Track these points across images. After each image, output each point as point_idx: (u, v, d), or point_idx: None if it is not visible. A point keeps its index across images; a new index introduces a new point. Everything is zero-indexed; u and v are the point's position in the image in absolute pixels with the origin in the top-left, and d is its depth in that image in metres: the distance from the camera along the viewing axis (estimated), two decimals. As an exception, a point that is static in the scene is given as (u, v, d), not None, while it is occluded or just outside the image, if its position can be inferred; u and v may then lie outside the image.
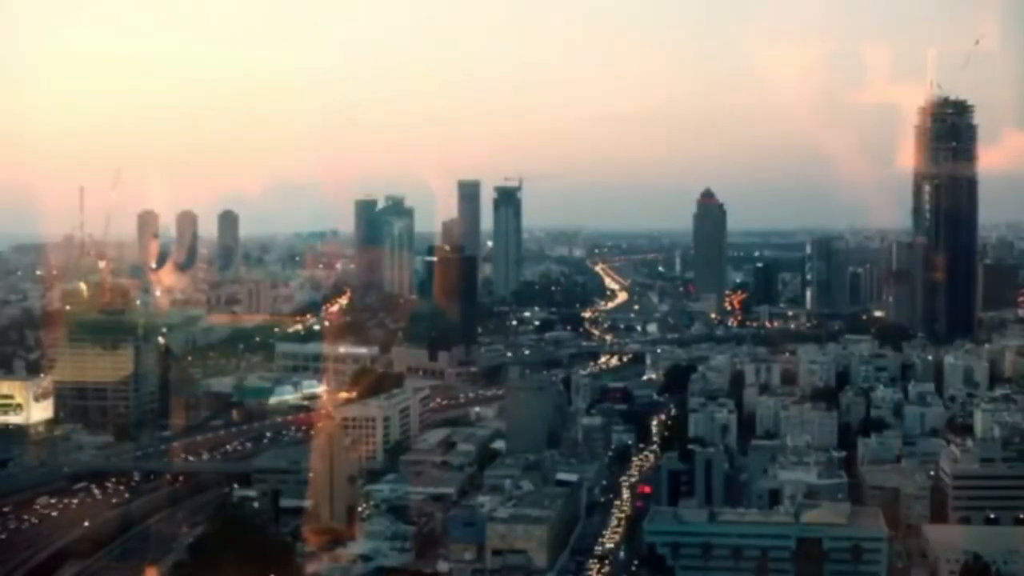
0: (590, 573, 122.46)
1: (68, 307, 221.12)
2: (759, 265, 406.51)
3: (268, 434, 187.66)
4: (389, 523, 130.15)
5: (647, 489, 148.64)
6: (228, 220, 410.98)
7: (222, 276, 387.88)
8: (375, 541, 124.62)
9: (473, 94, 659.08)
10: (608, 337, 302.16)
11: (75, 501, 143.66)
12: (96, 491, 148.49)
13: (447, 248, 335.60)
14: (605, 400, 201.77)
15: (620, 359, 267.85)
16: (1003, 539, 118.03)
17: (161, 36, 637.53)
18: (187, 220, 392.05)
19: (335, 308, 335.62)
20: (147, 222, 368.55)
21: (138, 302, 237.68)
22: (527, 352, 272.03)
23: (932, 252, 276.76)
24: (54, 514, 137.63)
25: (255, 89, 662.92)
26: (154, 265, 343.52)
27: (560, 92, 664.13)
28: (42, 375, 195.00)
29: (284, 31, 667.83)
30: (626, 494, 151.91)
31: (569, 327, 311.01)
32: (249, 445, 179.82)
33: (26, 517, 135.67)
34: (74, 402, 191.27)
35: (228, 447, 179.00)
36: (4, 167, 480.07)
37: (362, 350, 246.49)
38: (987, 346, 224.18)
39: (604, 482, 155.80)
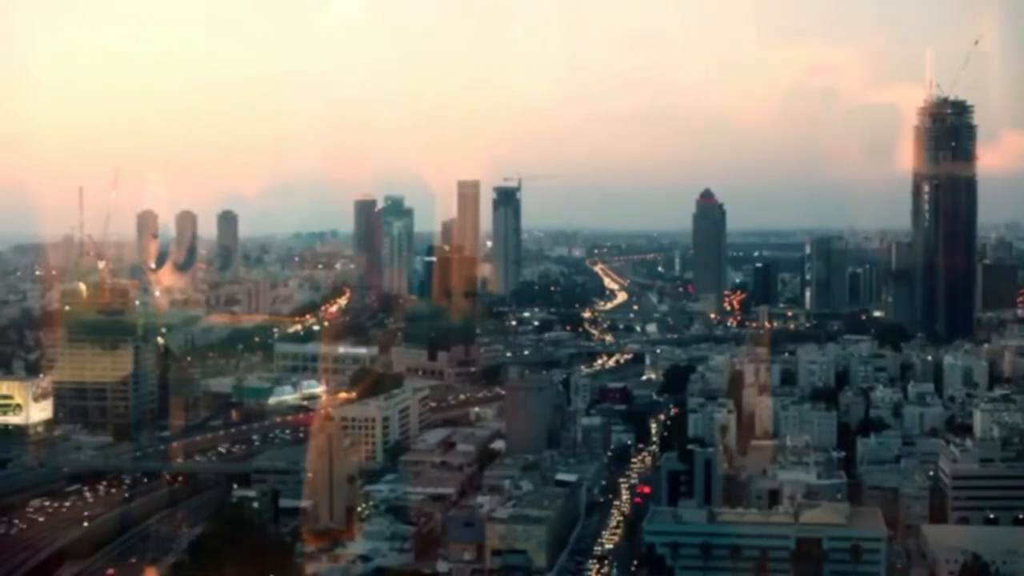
0: (589, 573, 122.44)
1: (67, 307, 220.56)
2: (758, 265, 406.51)
3: (267, 434, 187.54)
4: (388, 523, 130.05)
5: (646, 489, 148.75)
6: (227, 220, 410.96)
7: (221, 276, 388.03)
8: (374, 541, 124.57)
9: (473, 94, 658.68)
10: (607, 337, 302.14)
11: (68, 503, 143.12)
12: (95, 491, 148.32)
13: (446, 248, 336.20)
14: (604, 400, 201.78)
15: (619, 359, 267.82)
16: (1002, 539, 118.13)
17: (161, 36, 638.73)
18: (186, 220, 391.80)
19: (334, 308, 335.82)
20: (146, 222, 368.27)
21: (137, 302, 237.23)
22: (527, 352, 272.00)
23: (932, 252, 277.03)
24: (42, 519, 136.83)
25: (255, 89, 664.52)
26: (153, 265, 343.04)
27: (560, 92, 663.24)
28: (41, 375, 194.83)
29: (283, 31, 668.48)
30: (625, 494, 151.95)
31: (568, 327, 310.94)
32: (248, 445, 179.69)
33: (16, 521, 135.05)
34: (73, 402, 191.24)
35: (227, 447, 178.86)
36: (4, 167, 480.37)
37: (361, 350, 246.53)
38: (986, 346, 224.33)
39: (603, 482, 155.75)
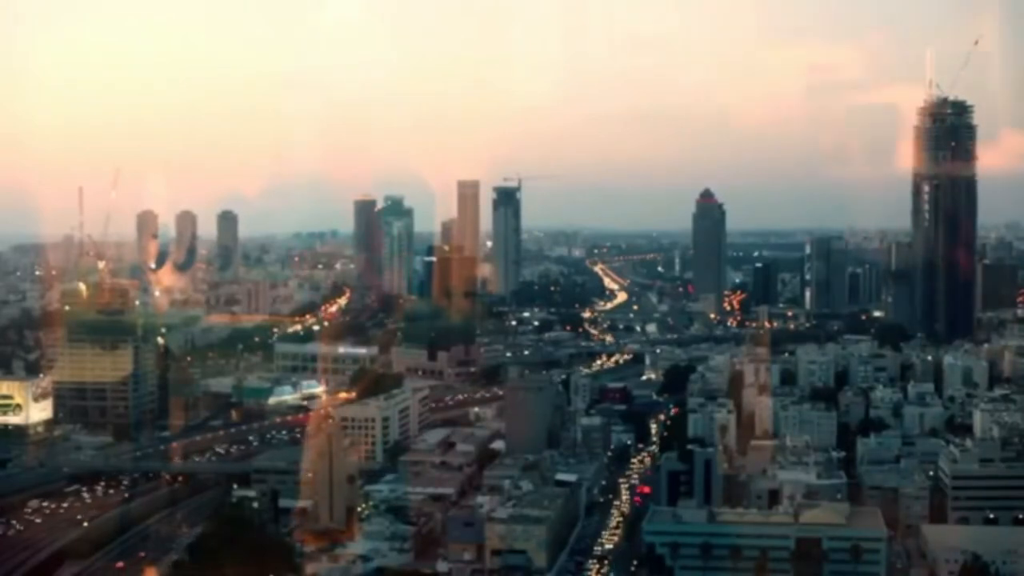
0: (589, 573, 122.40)
1: (67, 307, 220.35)
2: (758, 265, 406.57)
3: (267, 434, 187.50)
4: (388, 523, 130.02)
5: (646, 489, 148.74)
6: (227, 220, 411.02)
7: (221, 276, 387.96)
8: (374, 541, 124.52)
9: (473, 94, 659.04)
10: (607, 337, 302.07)
11: (68, 504, 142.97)
12: (94, 492, 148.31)
13: (446, 248, 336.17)
14: (604, 400, 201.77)
15: (619, 359, 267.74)
16: (1002, 539, 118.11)
17: (160, 36, 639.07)
18: (186, 220, 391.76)
19: (334, 308, 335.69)
20: (146, 222, 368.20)
21: (137, 302, 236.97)
22: (526, 352, 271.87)
23: (932, 252, 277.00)
24: (41, 519, 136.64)
25: (255, 89, 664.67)
26: (153, 265, 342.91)
27: (560, 92, 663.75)
28: (41, 375, 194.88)
29: (283, 31, 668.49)
30: (625, 494, 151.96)
31: (568, 327, 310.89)
32: (248, 445, 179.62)
33: (14, 522, 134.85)
34: (73, 402, 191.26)
35: (227, 447, 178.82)
36: (4, 167, 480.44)
37: (361, 350, 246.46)
38: (986, 346, 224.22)
39: (603, 482, 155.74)
